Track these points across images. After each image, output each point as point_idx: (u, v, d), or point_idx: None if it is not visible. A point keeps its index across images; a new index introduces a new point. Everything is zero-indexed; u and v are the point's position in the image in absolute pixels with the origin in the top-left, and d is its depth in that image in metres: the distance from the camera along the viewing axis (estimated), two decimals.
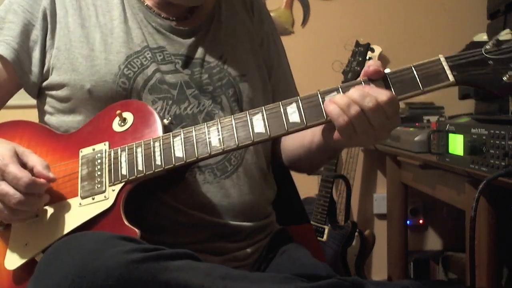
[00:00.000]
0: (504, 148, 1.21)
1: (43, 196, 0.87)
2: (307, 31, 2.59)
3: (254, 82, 1.09)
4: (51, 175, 0.86)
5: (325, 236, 2.17)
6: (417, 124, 2.10)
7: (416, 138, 1.80)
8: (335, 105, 0.81)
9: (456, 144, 1.43)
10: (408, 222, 2.36)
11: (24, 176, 0.82)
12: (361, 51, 2.18)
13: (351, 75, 2.17)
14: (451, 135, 1.47)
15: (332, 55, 2.42)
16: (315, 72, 2.49)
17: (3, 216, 0.85)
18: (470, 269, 1.22)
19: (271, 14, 2.45)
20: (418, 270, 2.48)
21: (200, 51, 1.05)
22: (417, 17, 2.59)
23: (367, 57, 2.21)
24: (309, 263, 1.01)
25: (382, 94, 0.80)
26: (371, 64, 0.84)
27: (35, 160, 0.87)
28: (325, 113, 0.83)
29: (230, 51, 1.08)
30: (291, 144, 1.12)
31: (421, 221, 2.61)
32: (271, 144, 1.16)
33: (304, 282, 0.79)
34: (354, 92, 0.81)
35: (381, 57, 2.49)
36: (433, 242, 2.63)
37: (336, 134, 0.85)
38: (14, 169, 0.83)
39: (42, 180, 0.85)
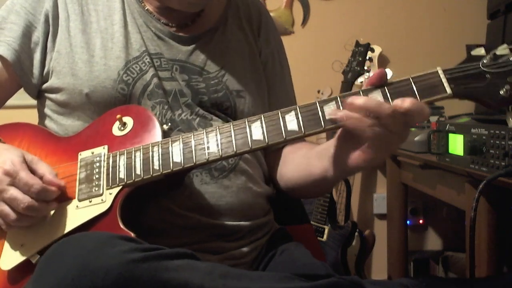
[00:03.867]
0: (504, 148, 1.21)
1: (52, 203, 0.87)
2: (307, 31, 2.58)
3: (250, 99, 1.08)
4: (61, 182, 0.88)
5: (325, 236, 2.17)
6: (417, 124, 2.10)
7: (416, 138, 1.80)
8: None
9: (456, 144, 1.43)
10: (408, 222, 2.36)
11: (35, 183, 0.83)
12: (361, 51, 2.18)
13: (351, 75, 2.18)
14: (451, 135, 1.47)
15: (332, 55, 2.43)
16: (315, 72, 2.49)
17: (9, 220, 0.85)
18: (470, 269, 1.22)
19: (271, 14, 2.45)
20: (418, 270, 2.48)
21: (200, 60, 1.05)
22: (417, 17, 2.59)
23: (367, 57, 2.21)
24: (309, 263, 1.01)
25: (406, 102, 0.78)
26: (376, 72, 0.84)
27: (44, 168, 0.88)
28: (323, 122, 0.83)
29: (230, 64, 1.08)
30: (291, 173, 1.09)
31: (421, 221, 2.61)
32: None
33: (303, 281, 0.79)
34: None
35: (381, 57, 2.49)
36: (433, 242, 2.63)
37: (354, 157, 0.83)
38: (26, 176, 0.84)
39: (53, 188, 0.86)
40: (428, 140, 1.59)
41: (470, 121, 1.45)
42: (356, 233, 2.21)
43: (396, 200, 2.30)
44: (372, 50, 2.26)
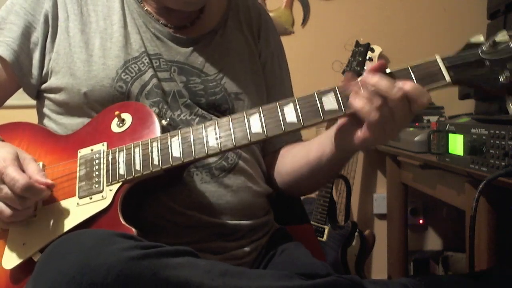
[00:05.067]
0: (504, 148, 1.20)
1: (39, 201, 0.87)
2: (307, 31, 2.59)
3: (249, 102, 1.08)
4: (49, 181, 0.86)
5: (325, 236, 2.17)
6: (417, 124, 2.10)
7: (416, 138, 1.79)
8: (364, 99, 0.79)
9: (456, 144, 1.43)
10: (408, 222, 2.36)
11: (21, 179, 0.82)
12: (361, 51, 2.18)
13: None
14: (451, 135, 1.47)
15: (332, 55, 2.42)
16: (315, 72, 2.49)
17: (4, 216, 0.85)
18: (470, 269, 1.22)
19: (271, 14, 2.45)
20: (418, 270, 2.48)
21: (199, 62, 1.05)
22: (417, 17, 2.59)
23: (367, 57, 2.21)
24: (309, 262, 1.01)
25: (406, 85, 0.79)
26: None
27: (34, 168, 0.87)
28: (322, 113, 0.83)
29: (229, 67, 1.08)
30: (291, 164, 1.10)
31: (421, 221, 2.61)
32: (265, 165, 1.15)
33: (303, 279, 0.79)
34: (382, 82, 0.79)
35: (381, 57, 2.48)
36: (433, 242, 2.63)
37: (359, 135, 0.83)
38: (13, 172, 0.83)
39: (40, 186, 0.85)
40: (428, 140, 1.59)
41: (470, 121, 1.44)
42: (356, 233, 2.21)
43: (396, 200, 2.30)
44: (372, 50, 2.26)
